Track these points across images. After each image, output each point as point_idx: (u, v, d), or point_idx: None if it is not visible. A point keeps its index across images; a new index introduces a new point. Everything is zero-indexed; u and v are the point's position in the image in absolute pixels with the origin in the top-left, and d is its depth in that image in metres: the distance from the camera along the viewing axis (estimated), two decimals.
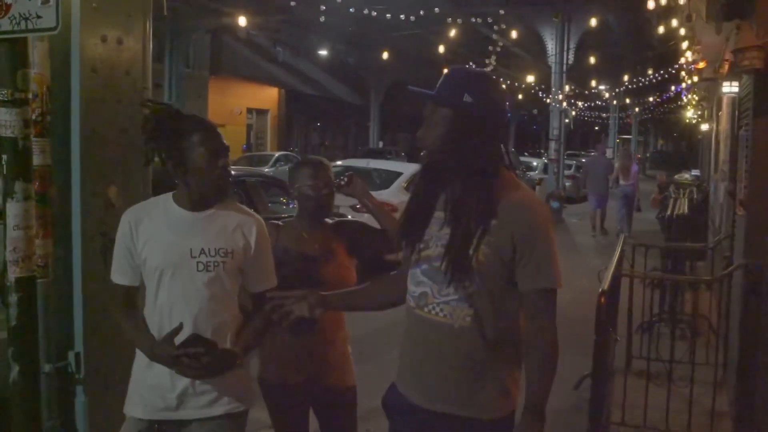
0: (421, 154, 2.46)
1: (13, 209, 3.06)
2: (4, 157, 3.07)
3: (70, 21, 3.70)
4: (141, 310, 2.87)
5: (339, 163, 14.63)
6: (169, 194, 2.83)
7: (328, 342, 3.39)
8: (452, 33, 18.73)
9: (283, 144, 39.17)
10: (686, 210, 9.21)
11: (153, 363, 2.73)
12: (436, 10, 18.14)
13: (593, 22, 18.10)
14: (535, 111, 50.59)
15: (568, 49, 20.94)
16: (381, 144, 40.00)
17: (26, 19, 2.90)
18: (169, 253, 2.72)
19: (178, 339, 2.62)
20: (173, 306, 2.72)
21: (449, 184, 2.38)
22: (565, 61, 20.97)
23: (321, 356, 3.36)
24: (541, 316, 2.32)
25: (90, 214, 3.74)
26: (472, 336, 2.33)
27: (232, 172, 8.40)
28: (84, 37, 3.79)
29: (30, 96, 3.19)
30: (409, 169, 12.08)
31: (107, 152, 3.80)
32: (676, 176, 22.93)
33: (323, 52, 33.46)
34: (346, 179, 3.45)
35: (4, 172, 3.09)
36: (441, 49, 20.55)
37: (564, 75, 21.45)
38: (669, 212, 9.06)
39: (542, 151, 42.91)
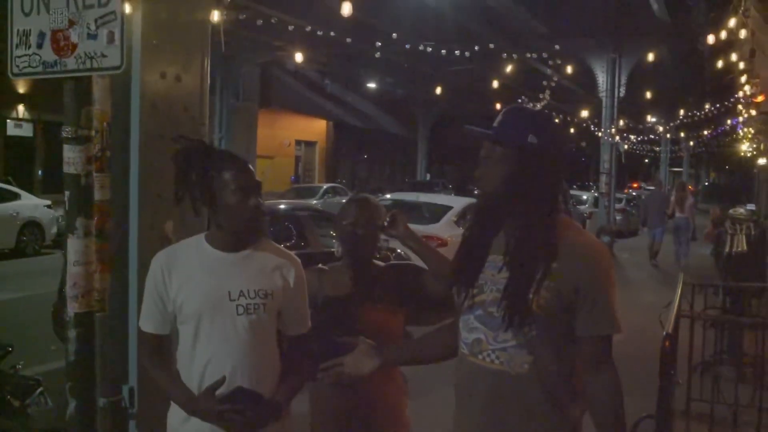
0: (476, 194, 2.41)
1: (74, 245, 3.08)
2: (67, 193, 3.09)
3: (131, 58, 3.76)
4: (173, 359, 2.72)
5: (388, 196, 14.64)
6: (202, 235, 2.71)
7: (378, 395, 3.12)
8: (504, 67, 18.71)
9: (330, 176, 39.41)
10: (744, 247, 8.99)
11: (191, 417, 2.59)
12: (491, 45, 18.14)
13: (647, 56, 17.86)
14: (583, 143, 50.22)
15: (620, 83, 20.75)
16: (428, 176, 40.02)
17: (91, 58, 2.94)
18: (206, 297, 2.58)
19: (220, 390, 2.51)
20: (214, 355, 2.58)
21: (508, 226, 2.32)
22: (616, 95, 20.76)
23: (369, 409, 3.11)
24: (603, 365, 2.25)
25: (146, 248, 3.75)
26: (531, 383, 2.25)
27: (280, 206, 8.47)
28: (144, 73, 3.85)
29: (93, 133, 3.22)
30: (458, 202, 12.02)
31: (164, 187, 3.81)
32: (730, 210, 22.44)
33: (372, 85, 33.68)
34: (389, 219, 3.23)
35: (67, 208, 3.11)
36: (489, 82, 20.56)
37: (615, 108, 21.24)
38: (727, 249, 8.83)
39: (591, 183, 42.45)
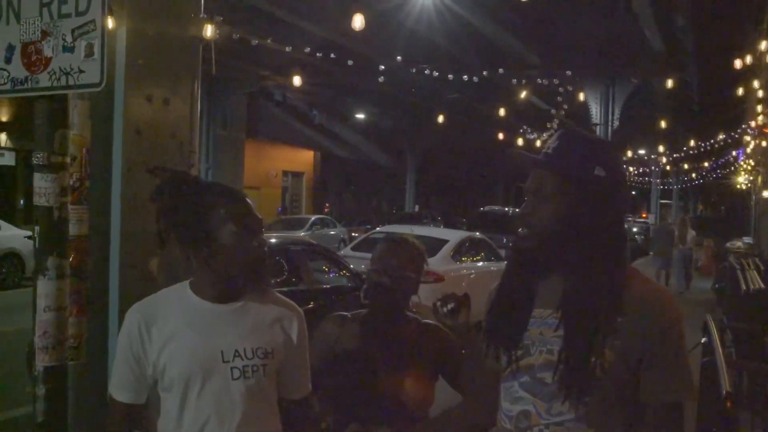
0: (520, 234, 2.00)
1: (44, 288, 2.69)
2: (37, 228, 2.71)
3: (113, 78, 3.43)
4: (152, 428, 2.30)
5: (378, 229, 14.29)
6: (186, 284, 2.26)
7: None
8: (496, 99, 18.50)
9: (318, 207, 39.06)
10: (762, 284, 8.63)
11: None
12: (484, 72, 17.93)
13: (640, 85, 17.73)
14: None
15: (613, 114, 20.62)
16: (417, 208, 39.70)
17: (67, 74, 2.57)
18: (195, 359, 2.14)
19: None
20: (204, 428, 2.15)
21: (562, 273, 1.93)
22: (609, 123, 20.63)
23: None
24: None
25: (128, 288, 3.42)
26: None
27: (271, 240, 8.05)
28: (128, 96, 3.52)
29: (68, 160, 2.84)
30: (454, 236, 11.64)
31: (149, 221, 3.43)
32: (728, 244, 22.47)
33: (360, 116, 33.49)
34: (452, 306, 2.49)
35: (36, 246, 2.73)
36: (480, 114, 20.33)
37: (609, 138, 21.11)
38: (743, 287, 8.48)
39: None
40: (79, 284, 3.27)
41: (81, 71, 2.53)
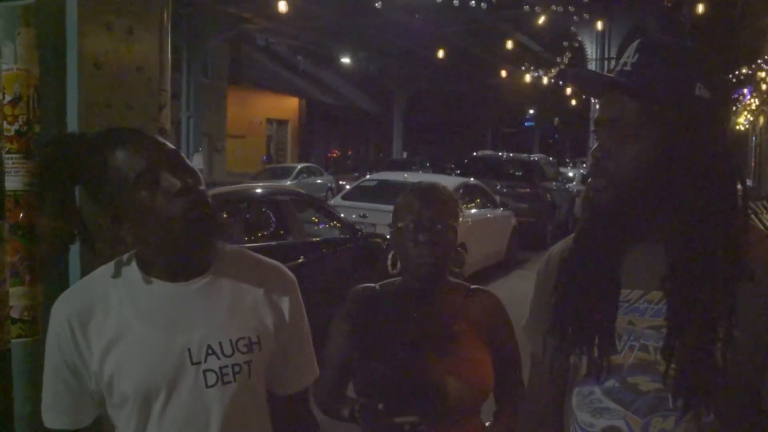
0: (592, 185, 1.47)
1: None
2: None
3: (65, 1, 2.88)
4: None
5: (369, 176, 13.86)
6: (129, 257, 1.67)
7: None
8: (485, 39, 17.85)
9: (303, 155, 38.48)
10: None
11: None
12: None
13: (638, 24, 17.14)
14: (556, 120, 49.63)
15: (609, 52, 20.01)
16: (405, 155, 39.16)
17: None
18: (154, 365, 1.57)
19: None
20: None
21: (656, 239, 1.41)
22: (606, 64, 20.04)
23: None
24: None
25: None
26: None
27: (257, 190, 7.50)
28: (83, 22, 2.95)
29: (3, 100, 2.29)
30: (450, 182, 11.14)
31: None
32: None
33: (345, 60, 32.69)
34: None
35: None
36: (469, 56, 19.70)
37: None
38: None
39: (568, 161, 41.88)
40: (30, 246, 2.77)
41: None
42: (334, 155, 39.19)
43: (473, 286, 2.25)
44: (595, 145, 1.46)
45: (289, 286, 1.77)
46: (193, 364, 1.58)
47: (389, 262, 2.07)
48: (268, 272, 1.76)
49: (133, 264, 1.64)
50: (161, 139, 1.65)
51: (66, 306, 1.62)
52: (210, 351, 1.60)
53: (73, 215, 1.64)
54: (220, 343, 1.61)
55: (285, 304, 1.73)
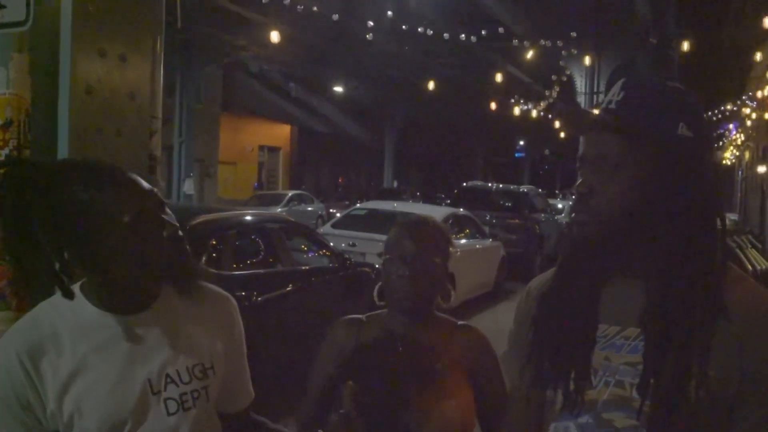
0: (575, 220, 1.47)
1: None
2: None
3: (58, 27, 2.90)
4: None
5: (359, 205, 13.90)
6: (76, 288, 1.61)
7: None
8: (477, 71, 18.00)
9: (295, 182, 38.49)
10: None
11: None
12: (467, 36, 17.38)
13: (626, 60, 17.33)
14: (547, 151, 49.89)
15: (598, 86, 20.20)
16: (396, 183, 39.24)
17: None
18: (117, 400, 1.56)
19: None
20: None
21: (635, 275, 1.43)
22: (594, 98, 20.20)
23: None
24: None
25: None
26: None
27: (247, 217, 7.45)
28: (77, 49, 2.97)
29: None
30: (438, 212, 11.17)
31: None
32: None
33: (338, 89, 32.85)
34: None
35: None
36: (460, 87, 19.84)
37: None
38: (750, 268, 8.08)
39: (558, 192, 42.06)
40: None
41: (2, 6, 2.00)
42: (340, 182, 39.14)
43: (460, 323, 2.24)
44: (579, 181, 1.48)
45: (234, 311, 1.84)
46: (154, 393, 1.60)
47: (375, 293, 2.05)
48: (213, 298, 1.81)
49: (81, 297, 1.60)
50: (118, 168, 1.62)
51: (14, 343, 1.55)
52: (169, 380, 1.62)
53: (29, 244, 1.53)
54: (177, 371, 1.64)
55: (231, 328, 1.82)
